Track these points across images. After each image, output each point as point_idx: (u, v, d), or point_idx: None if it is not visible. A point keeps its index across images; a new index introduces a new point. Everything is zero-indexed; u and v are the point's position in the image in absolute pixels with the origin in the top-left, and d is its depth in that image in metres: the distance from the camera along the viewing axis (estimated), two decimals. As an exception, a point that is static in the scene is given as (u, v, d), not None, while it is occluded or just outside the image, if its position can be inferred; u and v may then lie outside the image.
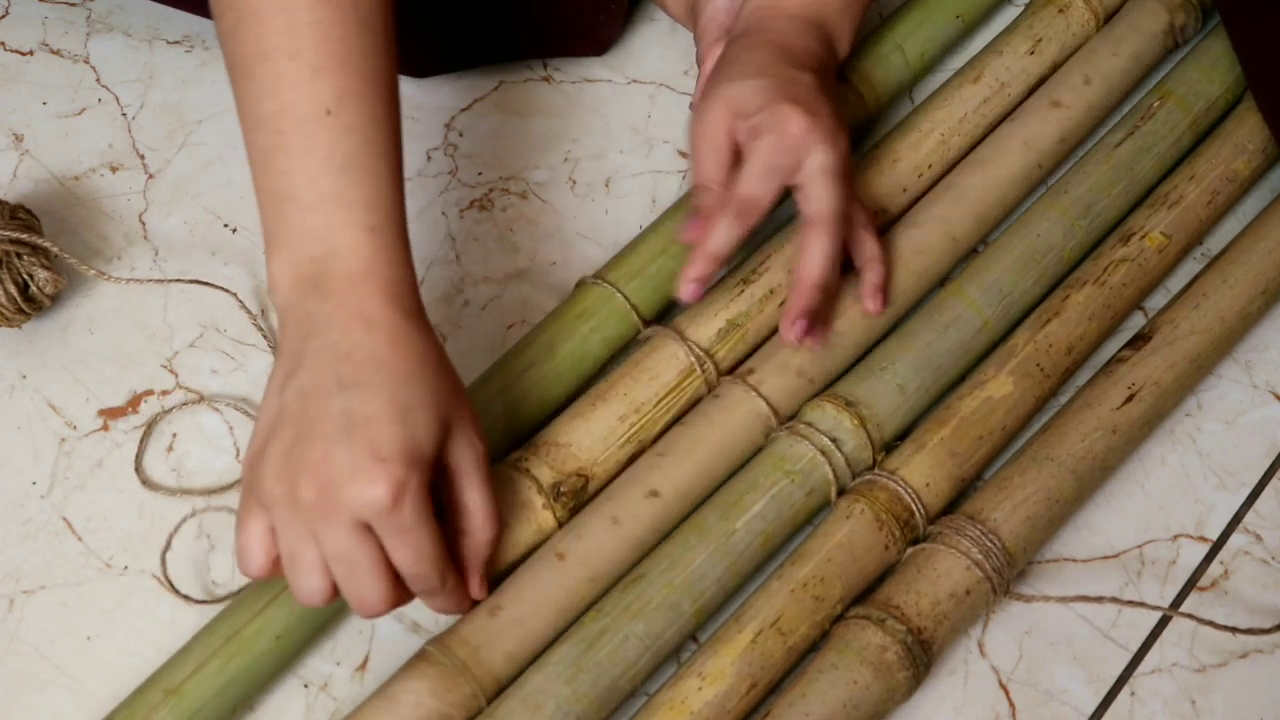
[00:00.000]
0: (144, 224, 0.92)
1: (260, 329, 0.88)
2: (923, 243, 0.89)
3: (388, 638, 0.81)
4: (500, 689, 0.76)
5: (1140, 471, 0.88)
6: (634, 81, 0.99)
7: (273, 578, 0.71)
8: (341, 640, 0.81)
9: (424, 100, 0.97)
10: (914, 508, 0.82)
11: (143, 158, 0.95)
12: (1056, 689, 0.82)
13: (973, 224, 0.90)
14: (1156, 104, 0.95)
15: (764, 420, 0.84)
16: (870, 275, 0.86)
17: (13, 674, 0.79)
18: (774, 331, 0.86)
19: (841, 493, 0.83)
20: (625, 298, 0.86)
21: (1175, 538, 0.86)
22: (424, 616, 0.81)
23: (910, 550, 0.81)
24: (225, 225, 0.92)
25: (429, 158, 0.95)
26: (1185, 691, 0.82)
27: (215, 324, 0.89)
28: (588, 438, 0.82)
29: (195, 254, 0.91)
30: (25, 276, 0.84)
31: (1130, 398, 0.85)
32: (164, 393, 0.87)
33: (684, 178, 0.96)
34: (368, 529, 0.69)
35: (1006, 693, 0.81)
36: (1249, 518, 0.87)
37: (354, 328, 0.70)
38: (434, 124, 0.97)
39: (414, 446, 0.69)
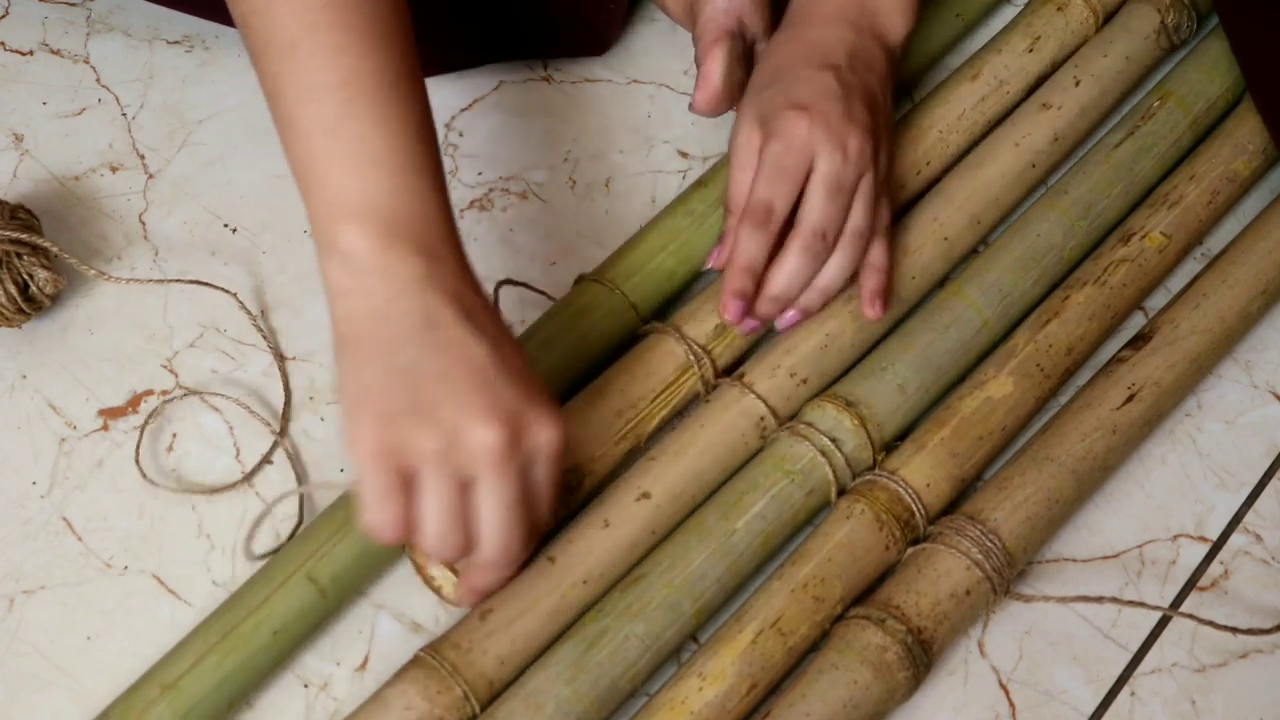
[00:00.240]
0: (144, 224, 0.92)
1: (260, 329, 0.88)
2: (914, 243, 0.89)
3: (387, 638, 0.81)
4: (493, 691, 0.76)
5: (1140, 471, 0.88)
6: (634, 81, 0.99)
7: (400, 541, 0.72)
8: (341, 640, 0.81)
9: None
10: (914, 508, 0.82)
11: (143, 158, 0.94)
12: (1056, 689, 0.82)
13: (966, 224, 0.90)
14: (1156, 104, 0.95)
15: (755, 421, 0.84)
16: (867, 281, 0.86)
17: (13, 674, 0.79)
18: (770, 329, 0.86)
19: (842, 493, 0.83)
20: (624, 295, 0.86)
21: (1175, 538, 0.86)
22: (424, 617, 0.81)
23: (910, 550, 0.81)
24: (225, 225, 0.92)
25: (429, 158, 0.95)
26: (1185, 691, 0.82)
27: (215, 324, 0.89)
28: (584, 433, 0.82)
29: (195, 254, 0.91)
30: (25, 276, 0.84)
31: (1130, 398, 0.85)
32: (164, 393, 0.87)
33: (684, 178, 0.96)
34: (487, 477, 0.70)
35: (1006, 693, 0.81)
36: (1249, 518, 0.87)
37: (451, 287, 0.70)
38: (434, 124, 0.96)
39: (533, 391, 0.71)
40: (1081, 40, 0.98)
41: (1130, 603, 0.81)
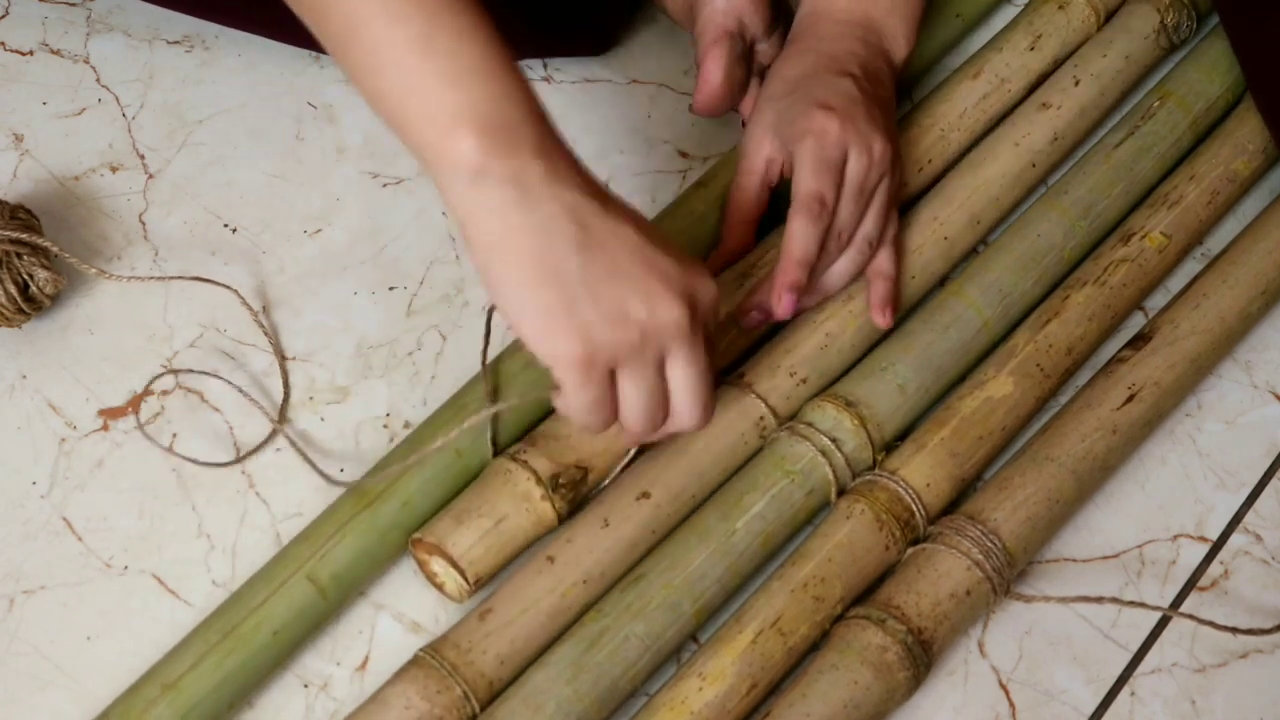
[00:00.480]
0: (144, 224, 0.92)
1: (260, 324, 0.88)
2: (914, 243, 0.89)
3: (387, 638, 0.81)
4: (493, 691, 0.76)
5: (1140, 471, 0.88)
6: (634, 81, 0.99)
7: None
8: (341, 640, 0.81)
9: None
10: (914, 508, 0.82)
11: (143, 158, 0.94)
12: (1056, 689, 0.82)
13: (966, 224, 0.90)
14: (1156, 104, 0.95)
15: (755, 421, 0.84)
16: (876, 289, 0.86)
17: (13, 674, 0.79)
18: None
19: (842, 493, 0.83)
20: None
21: (1175, 538, 0.86)
22: (424, 617, 0.81)
23: (910, 550, 0.81)
24: (225, 225, 0.92)
25: (429, 158, 0.95)
26: (1185, 691, 0.82)
27: (215, 324, 0.89)
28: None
29: (195, 254, 0.91)
30: (25, 276, 0.84)
31: (1131, 398, 0.85)
32: (164, 393, 0.87)
33: (684, 178, 0.96)
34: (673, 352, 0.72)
35: (1006, 693, 0.81)
36: (1249, 518, 0.87)
37: (577, 180, 0.70)
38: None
39: (683, 255, 0.73)
40: (1083, 39, 0.98)
41: (1131, 603, 0.81)
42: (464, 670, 0.75)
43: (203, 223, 0.92)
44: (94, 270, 0.87)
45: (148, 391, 0.87)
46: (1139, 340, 0.88)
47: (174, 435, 0.86)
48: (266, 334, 0.88)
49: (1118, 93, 0.97)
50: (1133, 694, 0.82)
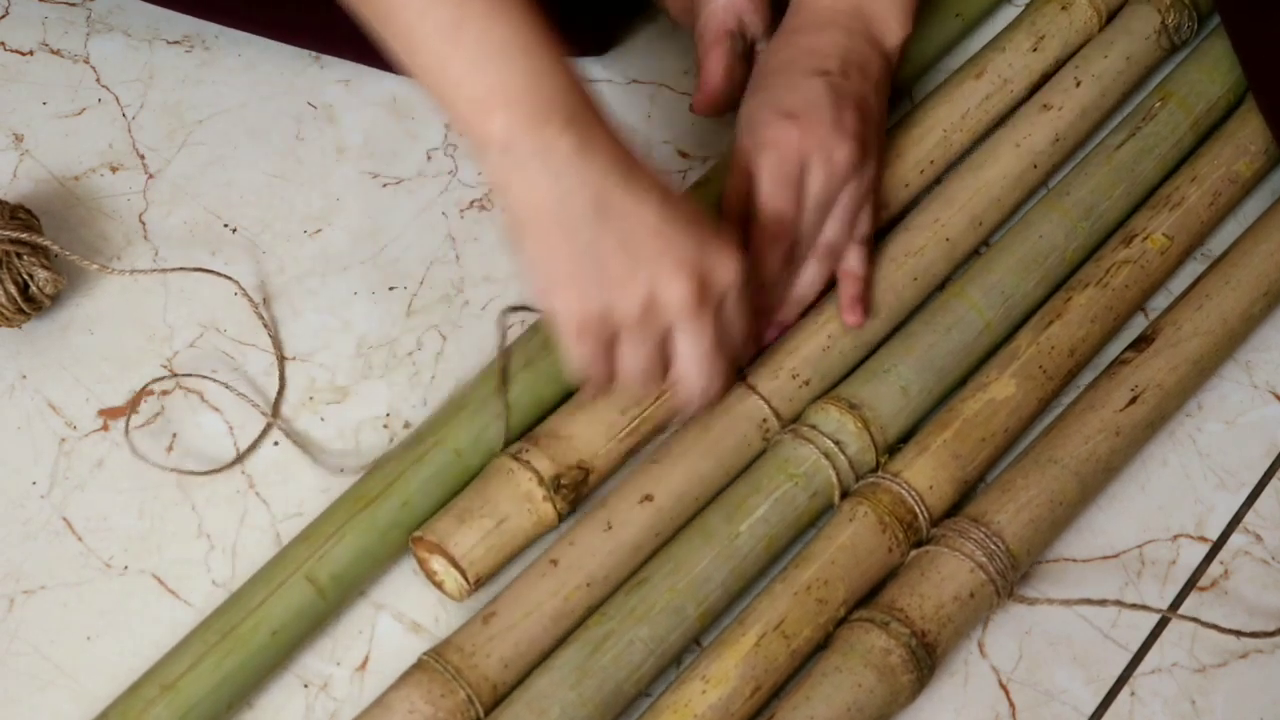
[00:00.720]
0: (144, 224, 0.92)
1: (261, 316, 0.88)
2: (915, 244, 0.89)
3: (387, 638, 0.81)
4: (496, 695, 0.76)
5: (1141, 472, 0.88)
6: (634, 81, 0.99)
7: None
8: (341, 640, 0.81)
9: (424, 100, 0.97)
10: (917, 510, 0.82)
11: (143, 158, 0.94)
12: (1056, 689, 0.82)
13: (967, 225, 0.90)
14: (1158, 105, 0.95)
15: (758, 423, 0.84)
16: (845, 289, 0.86)
17: (13, 674, 0.79)
18: None
19: (845, 495, 0.83)
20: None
21: (1175, 538, 0.86)
22: (424, 617, 0.81)
23: (914, 553, 0.81)
24: (225, 225, 0.92)
25: (429, 158, 0.95)
26: (1185, 692, 0.82)
27: (215, 324, 0.89)
28: (588, 430, 0.82)
29: (195, 254, 0.91)
30: (25, 276, 0.84)
31: (1133, 400, 0.85)
32: (164, 393, 0.87)
33: (684, 178, 0.96)
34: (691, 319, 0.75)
35: (1006, 693, 0.81)
36: (1249, 518, 0.87)
37: (607, 153, 0.72)
38: (434, 124, 0.96)
39: (707, 233, 0.76)
40: (1085, 39, 0.98)
41: (1133, 605, 0.81)
42: (468, 674, 0.75)
43: (203, 223, 0.92)
44: (95, 266, 0.86)
45: (147, 391, 0.87)
46: (1141, 342, 0.88)
47: (174, 435, 0.86)
48: (266, 326, 0.88)
49: (1119, 94, 0.97)
50: (1133, 694, 0.82)
